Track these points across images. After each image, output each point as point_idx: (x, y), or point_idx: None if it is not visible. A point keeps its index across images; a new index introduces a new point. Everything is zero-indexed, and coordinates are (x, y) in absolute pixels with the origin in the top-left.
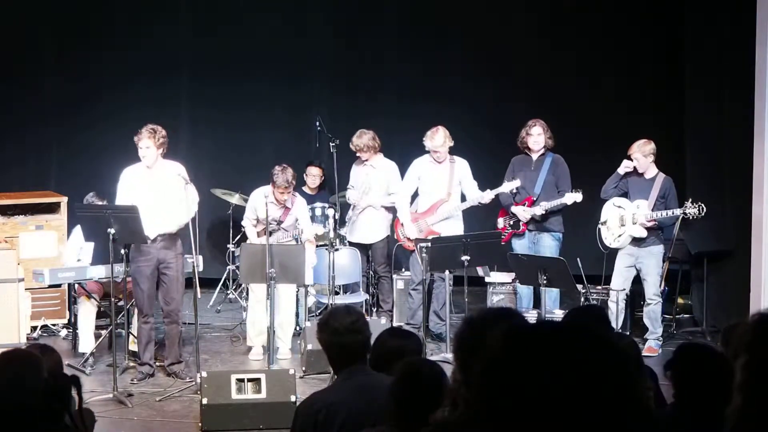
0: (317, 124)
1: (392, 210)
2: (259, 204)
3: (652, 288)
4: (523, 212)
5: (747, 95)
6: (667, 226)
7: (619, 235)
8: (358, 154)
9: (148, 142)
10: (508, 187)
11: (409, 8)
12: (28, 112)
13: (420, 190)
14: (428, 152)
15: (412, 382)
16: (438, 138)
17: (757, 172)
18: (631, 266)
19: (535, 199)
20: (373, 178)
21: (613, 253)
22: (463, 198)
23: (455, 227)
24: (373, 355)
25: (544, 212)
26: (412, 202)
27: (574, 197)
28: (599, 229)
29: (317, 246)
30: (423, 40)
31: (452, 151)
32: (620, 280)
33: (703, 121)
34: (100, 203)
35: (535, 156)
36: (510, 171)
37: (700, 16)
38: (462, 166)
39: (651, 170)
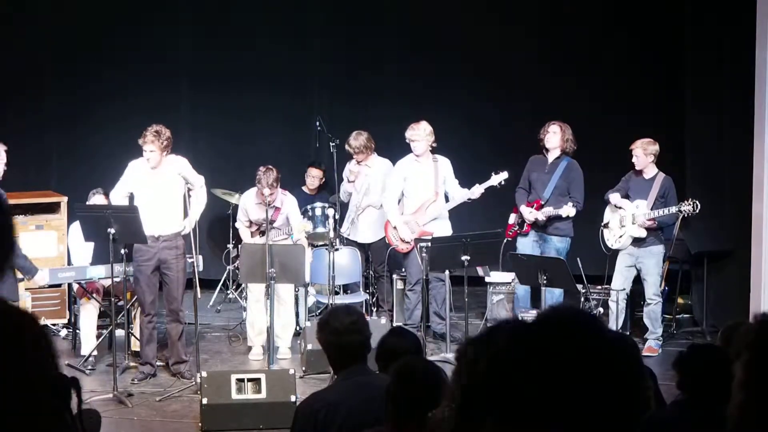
0: (317, 124)
1: None
2: (250, 206)
3: (652, 288)
4: (528, 214)
5: (747, 95)
6: (667, 226)
7: (620, 236)
8: (354, 157)
9: (152, 147)
10: (495, 179)
11: (409, 11)
12: (30, 114)
13: (405, 191)
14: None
15: (408, 381)
16: (425, 125)
17: (757, 172)
18: (631, 266)
19: (543, 203)
20: (372, 178)
21: (615, 253)
22: (447, 197)
23: (445, 227)
24: (377, 355)
25: (545, 219)
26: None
27: (567, 210)
28: (602, 231)
29: (317, 246)
30: (423, 43)
31: (443, 152)
32: (620, 280)
33: (703, 121)
34: (99, 200)
35: (551, 158)
36: (526, 169)
37: (701, 16)
38: (445, 164)
39: (651, 170)
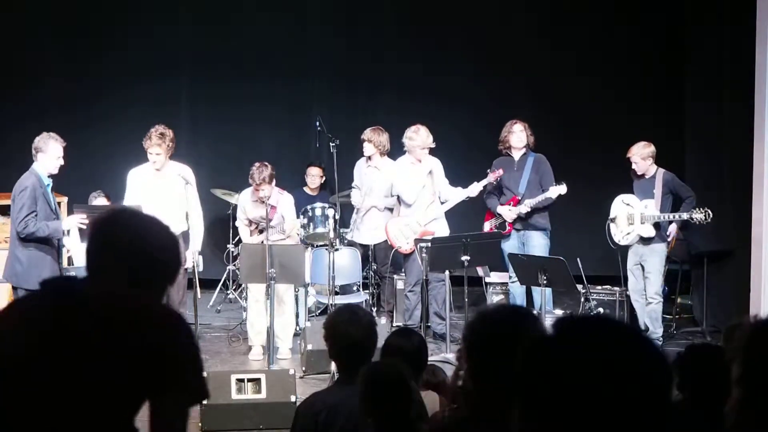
0: (317, 124)
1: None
2: (247, 204)
3: (654, 286)
4: (508, 212)
5: (747, 95)
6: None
7: (628, 233)
8: (367, 151)
9: (158, 149)
10: (492, 176)
11: (409, 8)
12: (28, 111)
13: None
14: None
15: (374, 387)
16: (425, 134)
17: (757, 172)
18: (638, 264)
19: (519, 198)
20: (377, 179)
21: (615, 253)
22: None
23: (443, 226)
24: (381, 355)
25: (529, 210)
26: (395, 206)
27: (558, 190)
28: (608, 225)
29: (317, 246)
30: (423, 40)
31: (443, 144)
32: (633, 280)
33: (703, 121)
34: (102, 203)
35: (517, 156)
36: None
37: (701, 16)
38: (437, 164)
39: (650, 170)
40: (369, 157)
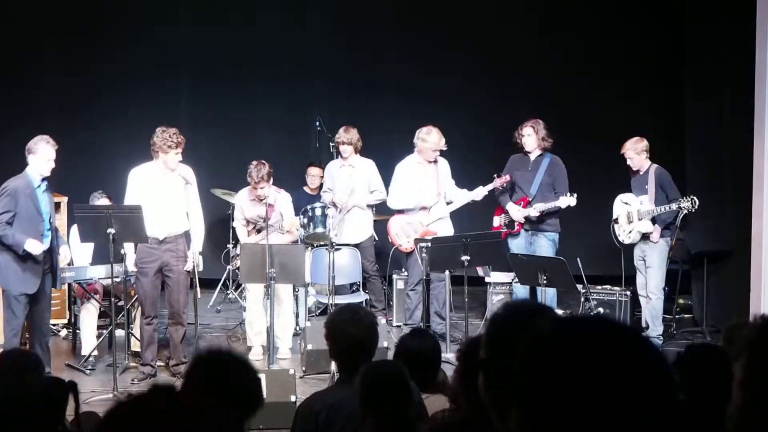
0: (317, 124)
1: (377, 208)
2: (244, 203)
3: (654, 281)
4: (517, 212)
5: (747, 95)
6: (669, 224)
7: (630, 232)
8: (341, 152)
9: (181, 147)
10: (498, 182)
11: (409, 8)
12: (27, 111)
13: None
14: (414, 152)
15: (374, 387)
16: (437, 136)
17: (757, 172)
18: (641, 259)
19: (530, 199)
20: (356, 178)
21: (620, 252)
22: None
23: (447, 227)
24: (395, 356)
25: (538, 214)
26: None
27: (568, 201)
28: (613, 226)
29: (317, 246)
30: (423, 40)
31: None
32: (638, 276)
33: (703, 121)
34: (103, 203)
35: (533, 156)
36: (507, 169)
37: (701, 16)
38: (445, 165)
39: (644, 165)
40: (344, 158)
